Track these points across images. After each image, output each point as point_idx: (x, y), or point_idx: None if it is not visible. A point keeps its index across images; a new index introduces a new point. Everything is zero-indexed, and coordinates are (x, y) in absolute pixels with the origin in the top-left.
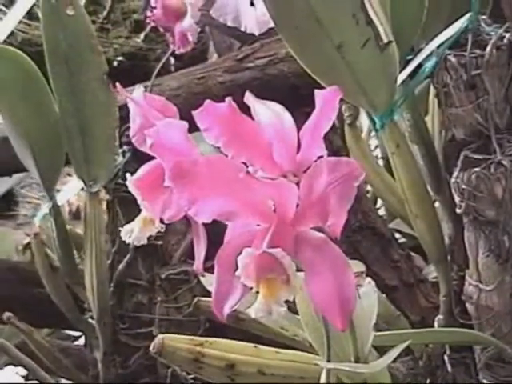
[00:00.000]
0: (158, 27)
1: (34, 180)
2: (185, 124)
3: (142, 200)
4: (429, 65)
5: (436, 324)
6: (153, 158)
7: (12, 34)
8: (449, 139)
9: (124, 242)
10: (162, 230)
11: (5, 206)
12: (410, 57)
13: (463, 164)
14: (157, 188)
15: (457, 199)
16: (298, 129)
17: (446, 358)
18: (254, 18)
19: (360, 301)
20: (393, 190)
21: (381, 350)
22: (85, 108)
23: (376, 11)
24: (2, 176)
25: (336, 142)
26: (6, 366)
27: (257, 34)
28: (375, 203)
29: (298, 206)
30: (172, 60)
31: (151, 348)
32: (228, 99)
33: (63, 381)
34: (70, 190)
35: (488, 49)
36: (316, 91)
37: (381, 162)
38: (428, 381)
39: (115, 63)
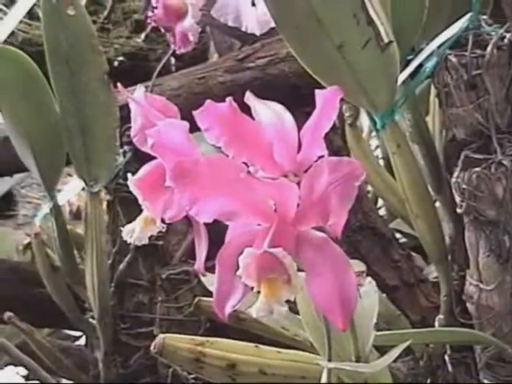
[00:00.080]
0: (158, 27)
1: (34, 180)
2: (186, 124)
3: (143, 200)
4: (429, 65)
5: (436, 324)
6: (154, 158)
7: (13, 33)
8: (449, 139)
9: (125, 241)
10: (163, 230)
11: (5, 206)
12: (410, 57)
13: (464, 164)
14: (158, 188)
15: (457, 199)
16: (299, 129)
17: (446, 357)
18: (255, 18)
19: (361, 300)
20: (393, 189)
21: (381, 350)
22: (85, 108)
23: (377, 11)
24: (2, 176)
25: (337, 142)
26: (6, 365)
27: (258, 34)
28: (376, 203)
29: (298, 205)
30: (173, 60)
31: (152, 348)
32: (229, 99)
33: (64, 381)
34: (71, 190)
35: (489, 49)
36: (317, 91)
37: (381, 162)
38: (429, 381)
39: (116, 63)
